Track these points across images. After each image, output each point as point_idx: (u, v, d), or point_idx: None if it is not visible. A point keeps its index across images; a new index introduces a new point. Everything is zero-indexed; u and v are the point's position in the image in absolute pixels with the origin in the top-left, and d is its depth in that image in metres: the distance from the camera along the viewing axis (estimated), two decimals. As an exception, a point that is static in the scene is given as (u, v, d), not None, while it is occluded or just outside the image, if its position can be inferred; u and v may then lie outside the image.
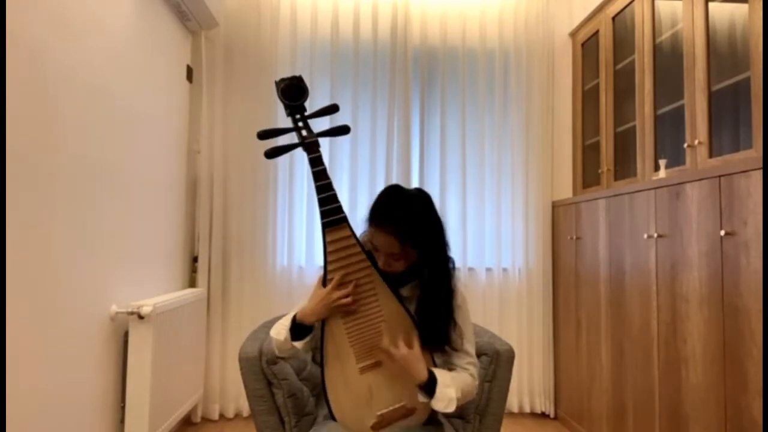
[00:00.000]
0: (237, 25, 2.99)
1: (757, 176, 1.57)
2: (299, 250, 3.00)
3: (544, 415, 3.05)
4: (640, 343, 2.18)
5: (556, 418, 3.02)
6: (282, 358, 1.55)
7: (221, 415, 2.89)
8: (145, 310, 2.06)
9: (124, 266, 2.16)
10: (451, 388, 1.30)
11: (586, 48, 3.09)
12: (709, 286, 1.78)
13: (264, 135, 1.37)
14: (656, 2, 2.38)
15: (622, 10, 2.66)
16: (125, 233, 2.16)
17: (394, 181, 3.01)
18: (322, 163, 1.34)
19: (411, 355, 1.30)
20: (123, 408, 2.10)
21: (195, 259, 2.94)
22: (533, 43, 3.14)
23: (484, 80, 3.12)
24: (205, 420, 2.86)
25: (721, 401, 1.71)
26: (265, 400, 1.52)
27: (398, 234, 1.30)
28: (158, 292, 2.47)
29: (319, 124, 1.37)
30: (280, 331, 1.38)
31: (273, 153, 1.36)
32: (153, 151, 2.44)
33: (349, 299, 1.31)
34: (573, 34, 3.21)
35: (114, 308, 2.05)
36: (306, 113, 1.39)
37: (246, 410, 2.89)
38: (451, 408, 1.29)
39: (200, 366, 2.77)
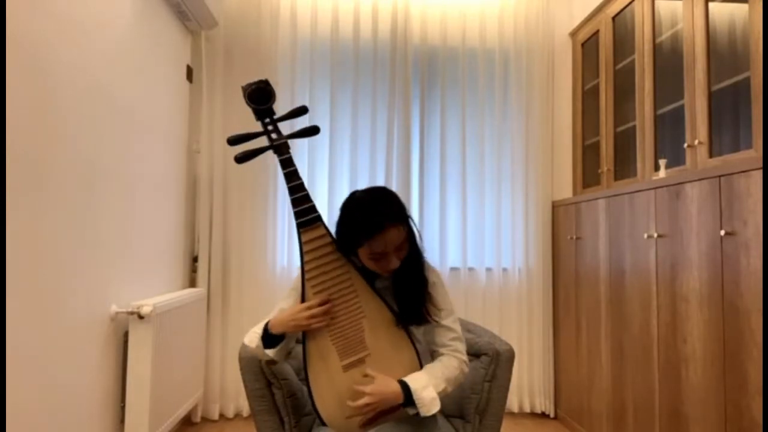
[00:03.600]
0: (237, 25, 2.99)
1: (757, 176, 1.57)
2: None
3: (544, 415, 3.05)
4: (640, 343, 2.18)
5: (556, 418, 3.03)
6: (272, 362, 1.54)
7: (221, 415, 2.89)
8: (145, 310, 2.06)
9: (124, 266, 2.16)
10: (429, 388, 1.28)
11: (586, 48, 3.09)
12: (709, 286, 1.78)
13: (234, 141, 1.39)
14: (656, 2, 2.38)
15: (622, 10, 2.66)
16: (125, 233, 2.16)
17: (394, 181, 3.01)
18: (293, 165, 1.36)
19: (378, 386, 1.27)
20: (123, 408, 2.10)
21: (195, 259, 2.94)
22: (533, 43, 3.14)
23: (484, 80, 3.12)
24: (205, 420, 2.86)
25: (721, 401, 1.71)
26: (265, 400, 1.52)
27: (402, 220, 1.32)
28: (158, 292, 2.47)
29: (302, 124, 1.38)
30: (253, 338, 1.39)
31: (243, 158, 1.38)
32: (153, 151, 2.44)
33: (318, 321, 1.31)
34: (573, 34, 3.21)
35: (114, 308, 2.05)
36: (275, 116, 1.41)
37: (246, 410, 2.89)
38: (436, 407, 1.27)
39: (200, 366, 2.77)
